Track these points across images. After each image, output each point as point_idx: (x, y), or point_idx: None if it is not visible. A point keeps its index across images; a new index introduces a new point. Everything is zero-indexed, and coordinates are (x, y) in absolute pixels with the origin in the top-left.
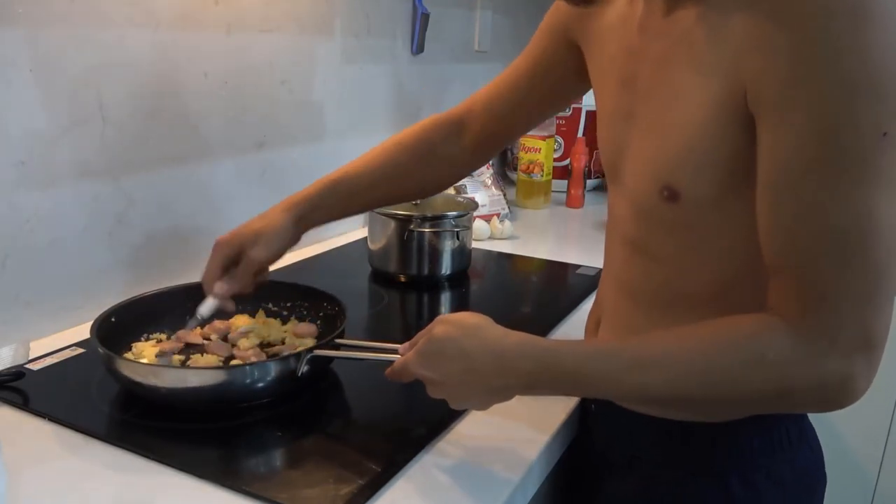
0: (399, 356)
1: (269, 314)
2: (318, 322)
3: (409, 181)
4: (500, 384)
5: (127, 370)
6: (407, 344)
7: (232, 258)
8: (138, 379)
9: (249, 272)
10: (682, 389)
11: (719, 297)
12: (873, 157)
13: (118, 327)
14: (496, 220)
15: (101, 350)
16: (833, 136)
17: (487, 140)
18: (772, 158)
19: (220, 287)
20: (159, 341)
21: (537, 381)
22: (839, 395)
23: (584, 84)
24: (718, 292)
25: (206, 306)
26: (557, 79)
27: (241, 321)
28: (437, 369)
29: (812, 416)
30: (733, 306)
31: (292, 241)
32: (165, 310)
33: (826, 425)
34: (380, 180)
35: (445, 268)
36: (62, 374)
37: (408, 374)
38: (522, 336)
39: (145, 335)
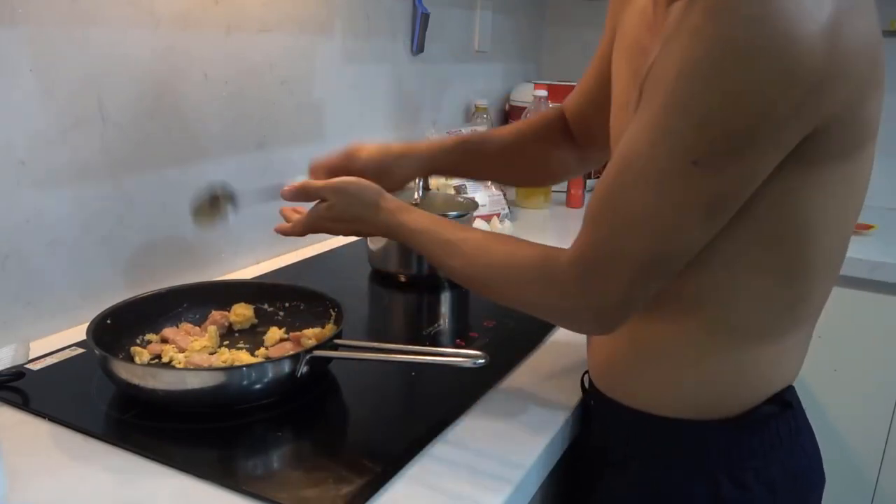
0: (396, 354)
1: (265, 315)
2: (319, 312)
3: (528, 161)
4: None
5: (123, 372)
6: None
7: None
8: (135, 381)
9: None
10: (471, 277)
11: (714, 297)
12: (676, 175)
13: (115, 329)
14: (496, 220)
15: (97, 352)
16: (656, 137)
17: (588, 134)
18: (623, 138)
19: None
20: (148, 343)
21: (387, 230)
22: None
23: None
24: (713, 292)
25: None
26: None
27: (241, 310)
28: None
29: (810, 416)
30: (730, 305)
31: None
32: (162, 311)
33: (825, 425)
34: (502, 153)
35: None
36: (62, 374)
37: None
38: (396, 205)
39: (141, 337)
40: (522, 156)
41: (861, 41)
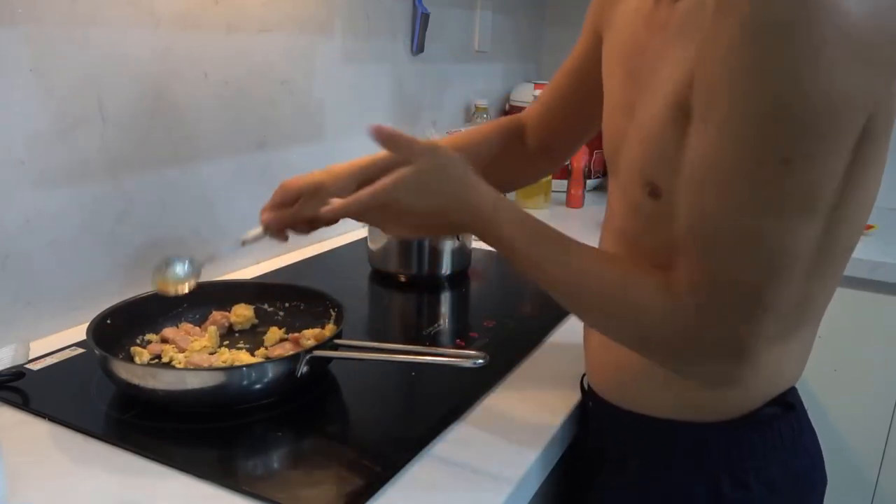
0: (396, 354)
1: (265, 315)
2: (319, 312)
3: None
4: (452, 190)
5: (123, 372)
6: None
7: (290, 202)
8: (135, 381)
9: (302, 217)
10: (575, 287)
11: None
12: (769, 180)
13: (115, 329)
14: None
15: (97, 352)
16: (737, 150)
17: (545, 146)
18: (691, 156)
19: (268, 216)
20: (148, 343)
21: (483, 211)
22: (689, 374)
23: None
24: None
25: (252, 232)
26: (599, 82)
27: (241, 310)
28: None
29: (810, 416)
30: None
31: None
32: (162, 311)
33: (826, 425)
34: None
35: (445, 268)
36: (62, 374)
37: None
38: (486, 186)
39: (141, 337)
40: (480, 166)
41: None
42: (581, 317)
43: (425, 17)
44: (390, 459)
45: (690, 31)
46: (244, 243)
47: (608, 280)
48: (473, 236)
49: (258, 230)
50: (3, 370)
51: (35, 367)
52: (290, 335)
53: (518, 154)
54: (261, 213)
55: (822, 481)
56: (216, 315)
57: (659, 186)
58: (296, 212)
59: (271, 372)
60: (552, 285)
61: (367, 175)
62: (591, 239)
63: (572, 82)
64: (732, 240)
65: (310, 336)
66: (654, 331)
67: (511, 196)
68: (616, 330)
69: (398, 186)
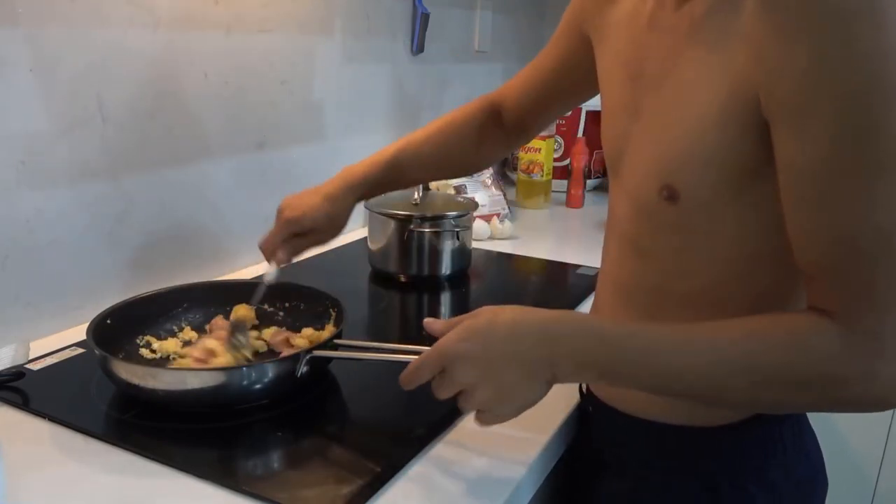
0: (396, 354)
1: (265, 315)
2: (319, 312)
3: (457, 160)
4: (545, 354)
5: (123, 372)
6: (441, 322)
7: (297, 233)
8: (135, 381)
9: (311, 247)
10: (725, 377)
11: (712, 300)
12: None
13: (115, 329)
14: (496, 220)
15: (97, 352)
16: (861, 140)
17: (521, 126)
18: (798, 167)
19: (283, 255)
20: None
21: (579, 354)
22: (887, 397)
23: None
24: (711, 294)
25: (272, 274)
26: (580, 77)
27: (242, 310)
28: (481, 341)
29: (811, 416)
30: (726, 309)
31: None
32: (162, 311)
33: (826, 425)
34: (431, 159)
35: (445, 268)
36: (62, 374)
37: (438, 356)
38: (565, 311)
39: (141, 337)
40: (455, 156)
41: None
42: (749, 404)
43: (425, 17)
44: (390, 459)
45: (716, 34)
46: (269, 283)
47: (763, 352)
48: (475, 238)
49: (276, 269)
50: (3, 370)
51: (35, 367)
52: (286, 336)
53: (495, 134)
54: (267, 249)
55: (823, 484)
56: (219, 321)
57: (677, 190)
58: (312, 244)
59: (271, 372)
60: (698, 387)
61: (362, 190)
62: (592, 239)
63: (555, 79)
64: (878, 239)
65: (305, 336)
66: (844, 378)
67: (510, 194)
68: (797, 397)
69: (453, 339)
